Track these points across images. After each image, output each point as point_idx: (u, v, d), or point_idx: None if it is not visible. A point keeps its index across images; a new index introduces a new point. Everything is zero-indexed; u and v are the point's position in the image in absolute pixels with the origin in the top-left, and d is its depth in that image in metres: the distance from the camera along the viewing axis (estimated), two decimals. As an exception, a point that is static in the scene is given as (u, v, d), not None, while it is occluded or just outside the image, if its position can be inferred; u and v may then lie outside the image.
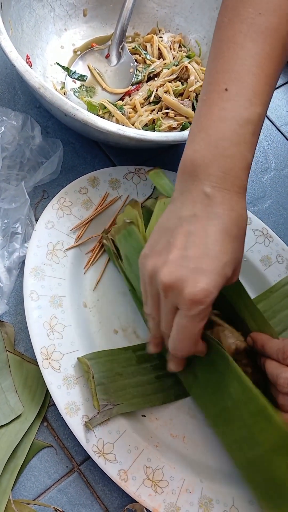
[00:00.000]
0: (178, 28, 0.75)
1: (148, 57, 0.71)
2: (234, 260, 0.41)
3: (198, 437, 0.53)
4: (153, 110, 0.66)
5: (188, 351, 0.44)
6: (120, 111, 0.64)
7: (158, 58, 0.71)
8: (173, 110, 0.66)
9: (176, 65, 0.69)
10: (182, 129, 0.65)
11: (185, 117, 0.66)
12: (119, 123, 0.63)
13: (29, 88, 0.55)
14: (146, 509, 0.47)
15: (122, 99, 0.68)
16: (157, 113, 0.66)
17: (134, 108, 0.66)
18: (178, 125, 0.66)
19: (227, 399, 0.47)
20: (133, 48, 0.72)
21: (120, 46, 0.70)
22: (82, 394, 0.50)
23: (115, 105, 0.65)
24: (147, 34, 0.74)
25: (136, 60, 0.71)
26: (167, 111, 0.66)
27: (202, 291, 0.38)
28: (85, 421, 0.49)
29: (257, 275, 0.63)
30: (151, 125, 0.65)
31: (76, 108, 0.52)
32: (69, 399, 0.49)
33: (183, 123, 0.66)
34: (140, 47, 0.72)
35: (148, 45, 0.72)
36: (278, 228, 0.71)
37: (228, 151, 0.40)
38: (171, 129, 0.66)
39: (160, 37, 0.73)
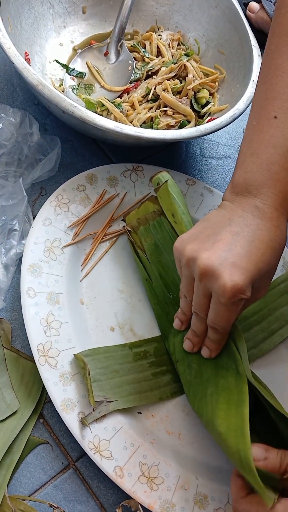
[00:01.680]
0: (177, 26, 0.75)
1: (146, 55, 0.71)
2: (267, 272, 0.44)
3: (194, 434, 0.53)
4: (151, 108, 0.66)
5: (225, 328, 0.46)
6: (118, 109, 0.64)
7: (157, 56, 0.71)
8: (171, 108, 0.66)
9: (175, 63, 0.69)
10: (180, 127, 0.65)
11: (183, 115, 0.66)
12: (117, 121, 0.63)
13: (28, 85, 0.55)
14: (141, 505, 0.48)
15: (120, 96, 0.68)
16: (155, 111, 0.66)
17: (133, 106, 0.66)
18: (176, 123, 0.66)
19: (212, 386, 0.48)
20: (132, 46, 0.72)
21: (119, 44, 0.70)
22: (78, 391, 0.50)
23: (113, 103, 0.65)
24: (146, 32, 0.74)
25: (134, 58, 0.71)
26: (165, 109, 0.66)
27: (234, 285, 0.41)
28: (81, 418, 0.49)
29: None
30: (149, 123, 0.65)
31: (74, 105, 0.52)
32: (66, 395, 0.50)
33: (181, 121, 0.66)
34: (139, 45, 0.72)
35: (147, 43, 0.72)
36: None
37: (279, 175, 0.44)
38: (169, 127, 0.66)
39: (159, 35, 0.73)
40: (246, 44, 0.67)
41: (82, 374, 0.51)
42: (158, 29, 0.75)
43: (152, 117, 0.65)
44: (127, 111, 0.65)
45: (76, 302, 0.56)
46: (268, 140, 0.45)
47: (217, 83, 0.70)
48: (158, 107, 0.67)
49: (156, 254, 0.58)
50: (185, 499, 0.49)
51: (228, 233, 0.43)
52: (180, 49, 0.73)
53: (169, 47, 0.72)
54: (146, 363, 0.55)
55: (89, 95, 0.68)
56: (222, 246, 0.42)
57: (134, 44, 0.72)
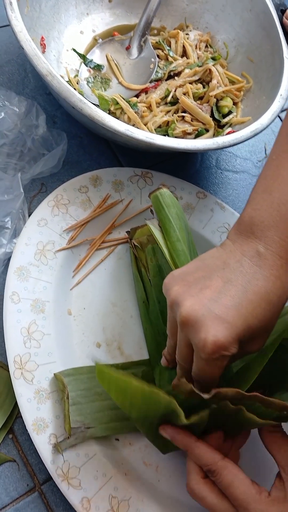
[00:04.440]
0: (207, 27, 0.71)
1: (171, 54, 0.66)
2: (259, 328, 0.38)
3: (173, 469, 0.50)
4: (168, 112, 0.62)
5: (211, 383, 0.40)
6: (133, 109, 0.60)
7: (182, 56, 0.67)
8: (190, 114, 0.61)
9: (200, 66, 0.64)
10: (197, 136, 0.61)
11: (202, 123, 0.62)
12: (130, 122, 0.59)
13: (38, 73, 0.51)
14: None
15: (137, 96, 0.64)
16: (172, 115, 0.61)
17: (149, 107, 0.62)
18: (194, 131, 0.61)
19: None
20: (156, 42, 0.67)
21: (143, 39, 0.66)
22: (53, 411, 0.47)
23: (128, 102, 0.60)
24: (174, 29, 0.70)
25: (158, 55, 0.66)
26: (183, 114, 0.61)
27: (215, 341, 0.36)
28: (54, 443, 0.45)
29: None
30: (164, 127, 0.61)
31: (84, 101, 0.48)
32: (39, 414, 0.46)
33: (199, 129, 0.61)
34: (164, 42, 0.67)
35: (173, 41, 0.67)
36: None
37: None
38: (185, 134, 0.61)
39: (187, 34, 0.68)
40: (278, 53, 0.62)
41: (61, 396, 0.47)
42: (187, 28, 0.70)
43: (168, 121, 0.61)
44: (143, 112, 0.61)
45: (63, 312, 0.52)
46: (284, 177, 0.40)
47: (242, 92, 0.65)
48: (176, 111, 0.62)
49: (159, 277, 0.53)
50: (154, 540, 0.45)
51: (219, 279, 0.38)
52: (207, 51, 0.68)
53: (196, 48, 0.67)
54: (132, 387, 0.51)
55: (105, 90, 0.64)
56: (209, 294, 0.37)
57: (159, 41, 0.67)
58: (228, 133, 0.60)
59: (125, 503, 0.46)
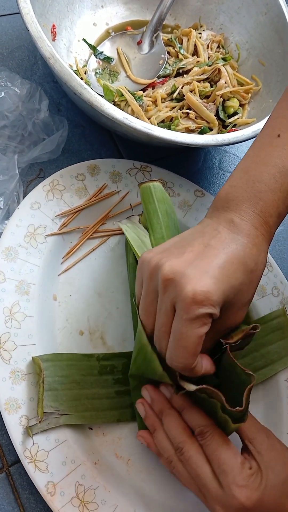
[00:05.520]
0: (221, 28, 0.71)
1: (182, 51, 0.66)
2: (240, 292, 0.38)
3: (144, 464, 0.49)
4: (173, 108, 0.62)
5: (184, 364, 0.38)
6: (138, 102, 0.60)
7: (192, 55, 0.66)
8: (194, 111, 0.61)
9: (209, 66, 0.64)
10: (200, 134, 0.61)
11: (206, 121, 0.61)
12: (134, 115, 0.59)
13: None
14: (67, 530, 0.44)
15: (144, 90, 0.64)
16: (177, 112, 0.61)
17: (155, 102, 0.62)
18: (197, 128, 0.61)
19: None
20: (168, 39, 0.67)
21: (155, 35, 0.66)
22: (27, 392, 0.46)
23: (133, 95, 0.60)
24: (189, 27, 0.70)
25: (168, 52, 0.66)
26: (188, 111, 0.61)
27: (204, 291, 0.35)
28: (26, 426, 0.45)
29: (247, 303, 0.58)
30: (168, 123, 0.61)
31: (84, 86, 0.48)
32: (12, 395, 0.46)
33: (202, 127, 0.61)
34: (176, 40, 0.67)
35: (185, 39, 0.67)
36: (282, 259, 0.66)
37: (262, 195, 0.40)
38: (188, 131, 0.61)
39: (200, 34, 0.68)
40: None
41: (37, 380, 0.47)
42: (200, 27, 0.70)
43: (172, 117, 0.61)
44: (147, 106, 0.61)
45: (48, 297, 0.52)
46: (262, 158, 0.41)
47: (250, 95, 0.65)
48: (181, 108, 0.62)
49: None
50: (116, 532, 0.44)
51: (200, 244, 0.39)
52: (218, 52, 0.68)
53: (208, 48, 0.67)
54: (112, 379, 0.51)
55: (112, 82, 0.64)
56: (191, 256, 0.38)
57: (171, 38, 0.67)
58: (230, 131, 0.60)
59: (91, 492, 0.45)
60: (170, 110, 0.61)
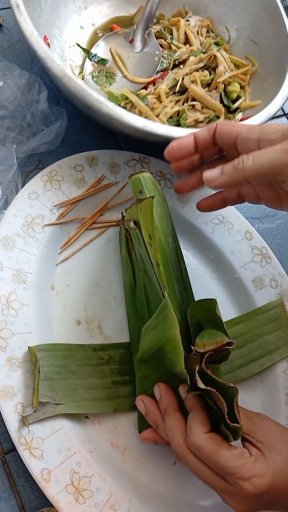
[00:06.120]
0: (206, 11, 0.70)
1: (174, 42, 0.66)
2: None
3: (140, 453, 0.49)
4: (178, 101, 0.62)
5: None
6: (143, 102, 0.60)
7: (184, 44, 0.66)
8: (200, 102, 0.62)
9: (204, 53, 0.64)
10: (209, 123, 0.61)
11: (212, 110, 0.62)
12: (142, 115, 0.59)
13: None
14: (62, 517, 0.44)
15: (145, 87, 0.64)
16: (182, 105, 0.61)
17: (159, 98, 0.62)
18: (205, 119, 0.61)
19: None
20: (158, 32, 0.67)
21: (147, 32, 0.65)
22: (23, 380, 0.46)
23: (138, 95, 0.60)
24: (173, 16, 0.69)
25: (161, 45, 0.66)
26: (193, 103, 0.61)
27: None
28: (21, 415, 0.45)
29: (245, 295, 0.58)
30: (175, 118, 0.61)
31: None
32: (8, 382, 0.46)
33: (210, 117, 0.61)
34: (165, 30, 0.67)
35: (174, 29, 0.67)
36: (281, 252, 0.66)
37: None
38: (197, 122, 0.61)
39: (187, 21, 0.68)
40: (282, 36, 0.61)
41: (32, 369, 0.47)
42: (186, 14, 0.70)
43: (179, 111, 0.61)
44: (153, 103, 0.61)
45: (46, 286, 0.52)
46: None
47: (248, 76, 0.65)
48: (186, 100, 0.62)
49: (142, 263, 0.52)
50: (111, 520, 0.44)
51: None
52: (209, 36, 0.68)
53: (198, 34, 0.67)
54: (108, 369, 0.51)
55: (110, 84, 0.64)
56: None
57: (160, 30, 0.67)
58: (243, 119, 0.60)
59: (86, 479, 0.45)
60: (175, 104, 0.61)
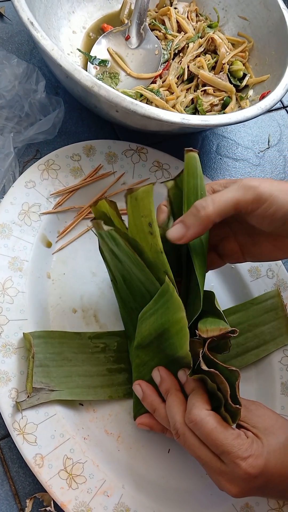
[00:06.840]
0: (189, -6, 0.70)
1: (169, 32, 0.66)
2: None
3: (134, 440, 0.49)
4: (188, 89, 0.62)
5: None
6: (158, 96, 0.60)
7: (179, 32, 0.67)
8: (210, 86, 0.62)
9: (201, 37, 0.64)
10: (224, 105, 0.62)
11: (224, 91, 0.62)
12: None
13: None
14: (54, 501, 0.44)
15: (154, 82, 0.64)
16: (193, 92, 0.62)
17: (169, 89, 0.62)
18: (220, 101, 0.62)
19: None
20: (150, 24, 0.67)
21: (142, 27, 0.65)
22: (18, 366, 0.47)
23: (151, 90, 0.60)
24: (156, 6, 0.70)
25: (156, 36, 0.66)
26: (204, 88, 0.62)
27: None
28: (15, 400, 0.45)
29: (241, 285, 0.58)
30: (191, 106, 0.62)
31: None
32: (2, 367, 0.46)
33: (224, 98, 0.62)
34: (157, 21, 0.67)
35: (166, 19, 0.67)
36: (279, 243, 0.65)
37: None
38: (213, 106, 0.62)
39: (175, 8, 0.68)
40: (272, 6, 0.62)
41: (27, 355, 0.47)
42: (172, 1, 0.70)
43: (192, 99, 0.62)
44: (166, 96, 0.61)
45: (42, 274, 0.53)
46: None
47: (247, 53, 0.66)
48: (196, 87, 0.63)
49: (116, 260, 0.47)
50: (104, 506, 0.44)
51: None
52: (200, 20, 0.68)
53: (188, 19, 0.67)
54: (104, 357, 0.51)
55: (116, 84, 0.64)
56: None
57: (152, 22, 0.67)
58: (263, 94, 0.60)
59: (79, 465, 0.45)
60: (187, 92, 0.62)
